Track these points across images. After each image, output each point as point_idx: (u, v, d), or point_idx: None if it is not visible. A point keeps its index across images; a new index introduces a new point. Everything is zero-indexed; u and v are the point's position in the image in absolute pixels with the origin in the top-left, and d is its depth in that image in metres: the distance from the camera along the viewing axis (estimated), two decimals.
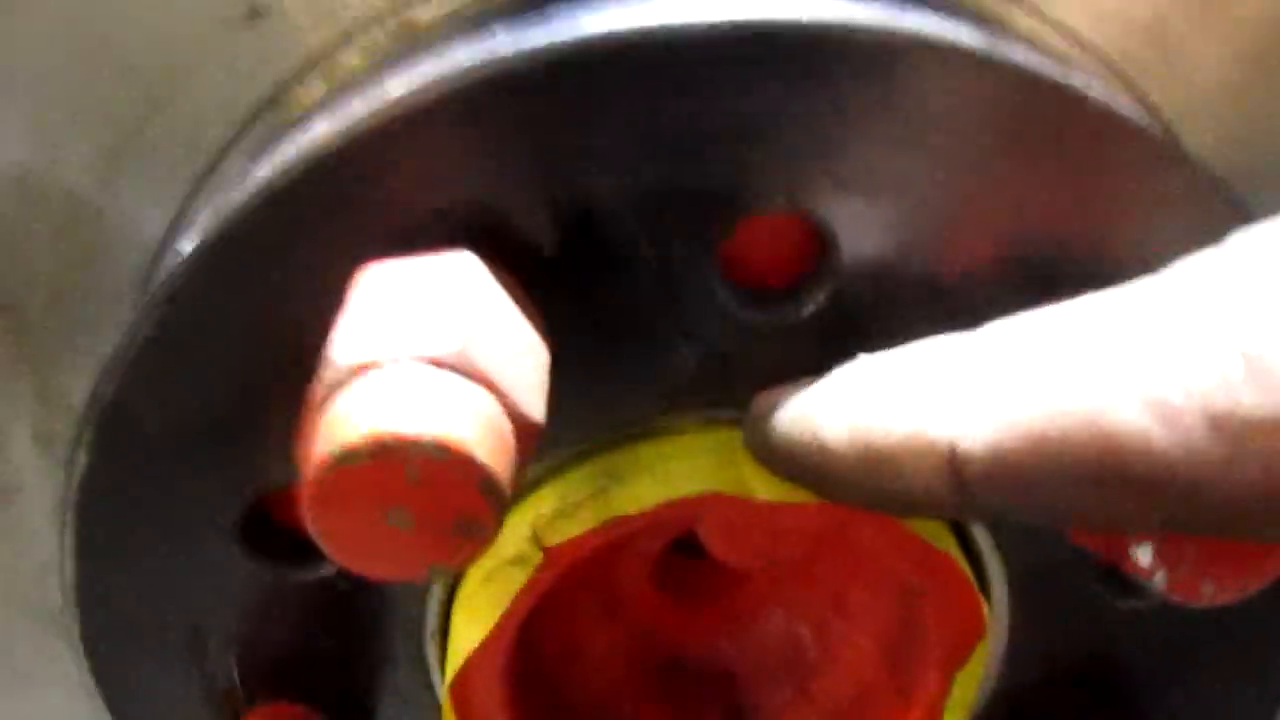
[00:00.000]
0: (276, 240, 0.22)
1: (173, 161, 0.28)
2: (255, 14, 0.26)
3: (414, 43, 0.26)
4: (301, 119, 0.25)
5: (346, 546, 0.18)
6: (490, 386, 0.18)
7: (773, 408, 0.22)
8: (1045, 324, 0.18)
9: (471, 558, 0.18)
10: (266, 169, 0.23)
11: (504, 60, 0.21)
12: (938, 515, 0.20)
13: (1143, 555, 0.18)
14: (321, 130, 0.22)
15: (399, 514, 0.17)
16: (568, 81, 0.21)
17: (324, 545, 0.18)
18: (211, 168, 0.28)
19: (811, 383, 0.21)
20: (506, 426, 0.18)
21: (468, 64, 0.21)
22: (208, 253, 0.22)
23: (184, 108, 0.27)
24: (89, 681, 0.34)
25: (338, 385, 0.18)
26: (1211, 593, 0.19)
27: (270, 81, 0.27)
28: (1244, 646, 0.28)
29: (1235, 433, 0.15)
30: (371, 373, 0.18)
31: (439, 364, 0.18)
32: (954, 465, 0.17)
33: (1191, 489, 0.15)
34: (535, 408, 0.19)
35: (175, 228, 0.29)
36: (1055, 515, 0.17)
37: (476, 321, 0.19)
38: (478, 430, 0.17)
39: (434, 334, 0.18)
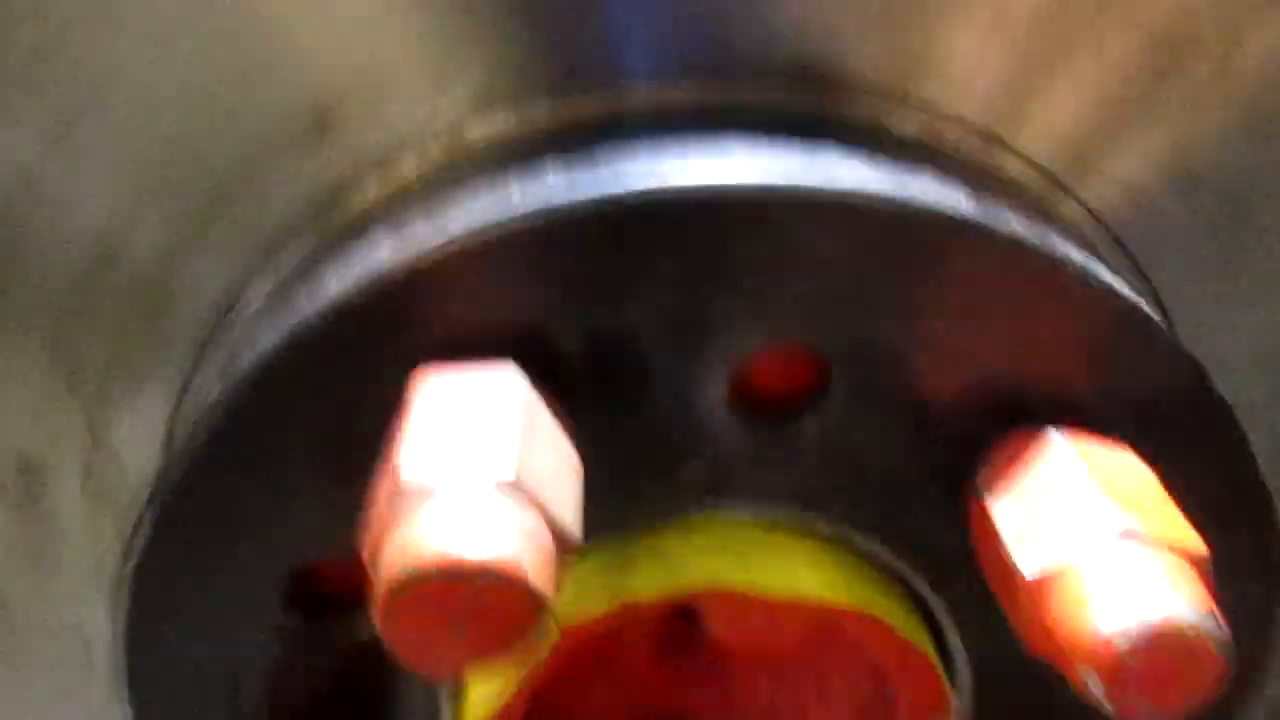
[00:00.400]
0: (339, 350, 0.25)
1: (235, 244, 0.30)
2: (321, 125, 0.29)
3: (466, 158, 0.28)
4: (365, 233, 0.27)
5: (410, 650, 0.20)
6: (542, 510, 0.21)
7: None
8: None
9: (517, 662, 0.21)
10: (334, 282, 0.25)
11: (556, 211, 0.24)
12: None
13: (1092, 683, 0.21)
14: (387, 256, 0.25)
15: (460, 627, 0.20)
16: (610, 231, 0.24)
17: (394, 651, 0.20)
18: (270, 253, 0.31)
19: None
20: (552, 545, 0.21)
21: (523, 209, 0.24)
22: (274, 360, 0.25)
23: (249, 199, 0.30)
24: (108, 703, 0.37)
25: (407, 507, 0.20)
26: (1149, 713, 0.22)
27: (330, 183, 0.30)
28: None
29: None
30: (438, 497, 0.20)
31: (498, 490, 0.21)
32: None
33: None
34: (576, 526, 0.22)
35: (234, 302, 0.31)
36: None
37: (529, 448, 0.22)
38: (533, 556, 0.20)
39: (493, 461, 0.21)
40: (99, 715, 0.38)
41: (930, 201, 0.24)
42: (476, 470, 0.21)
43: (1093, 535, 0.22)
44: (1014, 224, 0.25)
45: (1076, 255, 0.26)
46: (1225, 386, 0.33)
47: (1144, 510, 0.23)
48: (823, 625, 0.28)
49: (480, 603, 0.20)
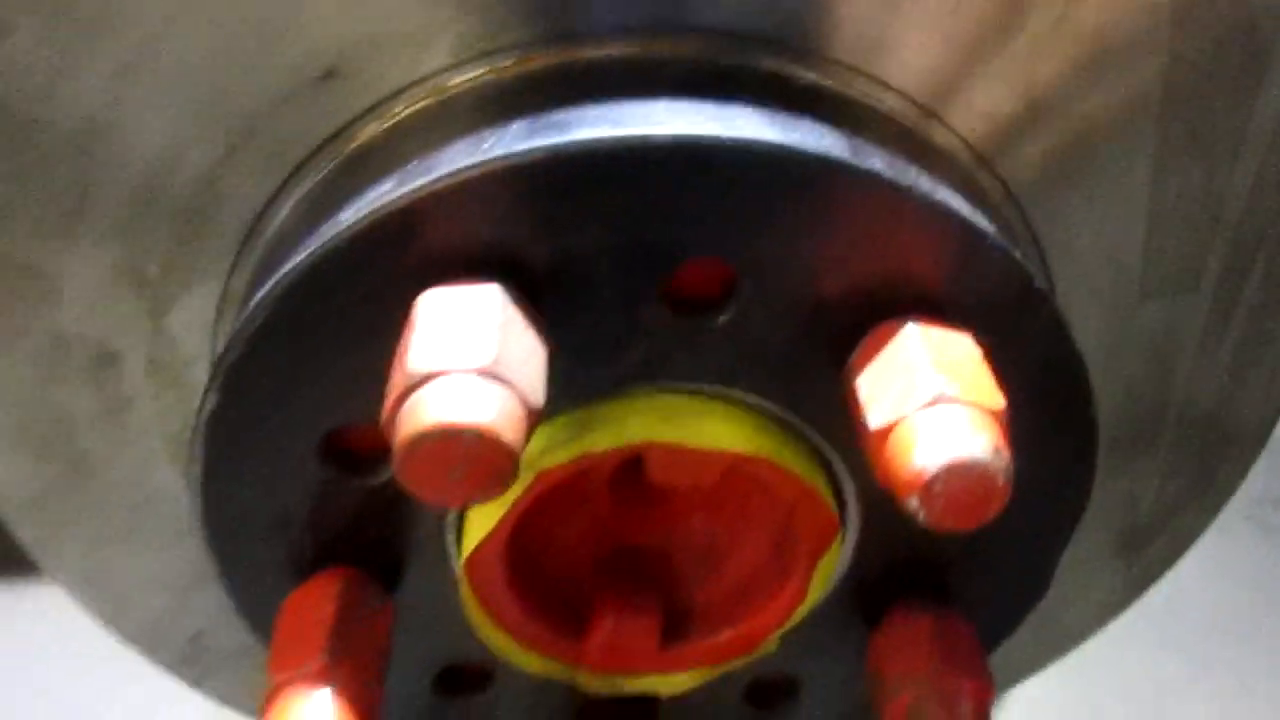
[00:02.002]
0: (357, 266, 0.32)
1: (262, 168, 0.37)
2: (330, 74, 0.35)
3: (448, 104, 0.35)
4: (369, 168, 0.34)
5: (423, 490, 0.28)
6: (512, 387, 0.29)
7: None
8: None
9: (497, 495, 0.29)
10: (350, 212, 0.32)
11: (520, 155, 0.31)
12: None
13: (913, 505, 0.30)
14: (390, 191, 0.32)
15: (456, 470, 0.28)
16: (558, 175, 0.31)
17: (409, 489, 0.28)
18: (290, 178, 0.38)
19: None
20: (521, 412, 0.29)
21: (495, 153, 0.31)
22: (308, 269, 0.32)
23: (271, 132, 0.37)
24: (182, 538, 0.45)
25: (415, 386, 0.28)
26: (954, 525, 0.30)
27: (337, 122, 0.36)
28: (1025, 551, 0.40)
29: None
30: (437, 380, 0.28)
31: (480, 373, 0.28)
32: None
33: None
34: (539, 397, 0.30)
35: (262, 218, 0.38)
36: None
37: (503, 340, 0.29)
38: (505, 420, 0.28)
39: (476, 351, 0.29)
40: (164, 552, 0.47)
41: (810, 146, 0.31)
42: (465, 360, 0.29)
43: (917, 398, 0.30)
44: (877, 161, 0.32)
45: (927, 184, 0.33)
46: (1076, 272, 0.41)
47: (961, 377, 0.31)
48: (738, 470, 0.37)
49: (469, 455, 0.28)
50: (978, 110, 0.37)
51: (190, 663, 0.51)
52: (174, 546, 0.46)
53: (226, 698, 0.52)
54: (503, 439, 0.28)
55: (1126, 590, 0.51)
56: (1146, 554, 0.50)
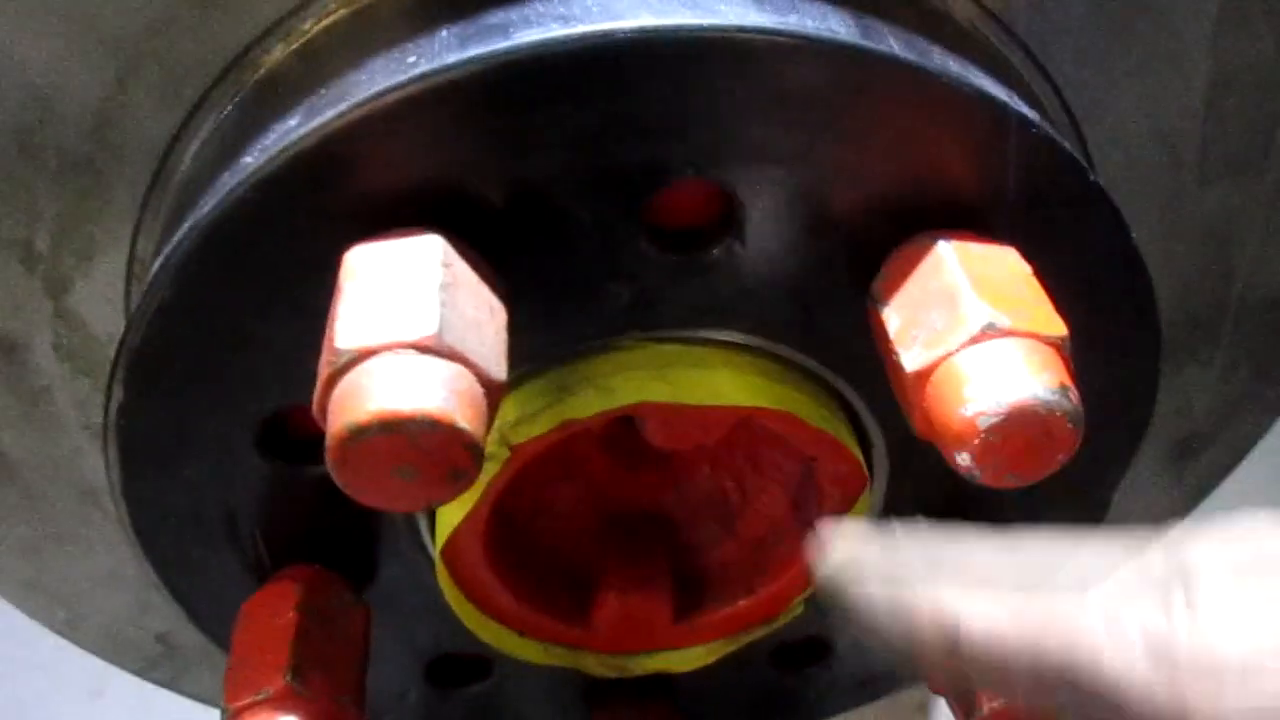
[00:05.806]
0: (267, 218, 0.26)
1: (156, 100, 0.31)
2: None
3: (363, 18, 0.29)
4: (277, 98, 0.28)
5: (365, 493, 0.23)
6: (464, 361, 0.23)
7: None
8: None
9: (460, 493, 0.24)
10: (254, 154, 0.26)
11: (452, 69, 0.25)
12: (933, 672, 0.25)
13: (963, 460, 0.25)
14: (298, 126, 0.26)
15: (404, 469, 0.23)
16: (504, 87, 0.25)
17: (348, 492, 0.23)
18: (191, 115, 0.32)
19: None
20: (479, 390, 0.23)
21: (421, 69, 0.25)
22: (210, 229, 0.27)
23: (162, 58, 0.30)
24: (121, 536, 0.40)
25: (345, 368, 0.23)
26: (1014, 480, 0.25)
27: (235, 45, 0.30)
28: (1082, 479, 0.35)
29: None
30: (371, 359, 0.23)
31: (422, 348, 0.23)
32: (952, 635, 0.22)
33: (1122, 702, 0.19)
34: (499, 370, 0.24)
35: (168, 163, 0.32)
36: (1012, 687, 0.21)
37: (448, 304, 0.24)
38: (458, 402, 0.22)
39: (415, 321, 0.23)
40: (114, 550, 0.42)
41: (811, 30, 0.25)
42: (403, 331, 0.23)
43: (961, 331, 0.25)
44: (893, 42, 0.26)
45: (955, 66, 0.27)
46: (1125, 159, 0.35)
47: (1010, 304, 0.25)
48: (745, 423, 0.31)
49: (418, 448, 0.22)
50: None
51: (160, 665, 0.46)
52: (125, 543, 0.41)
53: (206, 697, 0.48)
54: (458, 426, 0.22)
55: (1179, 505, 0.47)
56: (1200, 464, 0.45)
